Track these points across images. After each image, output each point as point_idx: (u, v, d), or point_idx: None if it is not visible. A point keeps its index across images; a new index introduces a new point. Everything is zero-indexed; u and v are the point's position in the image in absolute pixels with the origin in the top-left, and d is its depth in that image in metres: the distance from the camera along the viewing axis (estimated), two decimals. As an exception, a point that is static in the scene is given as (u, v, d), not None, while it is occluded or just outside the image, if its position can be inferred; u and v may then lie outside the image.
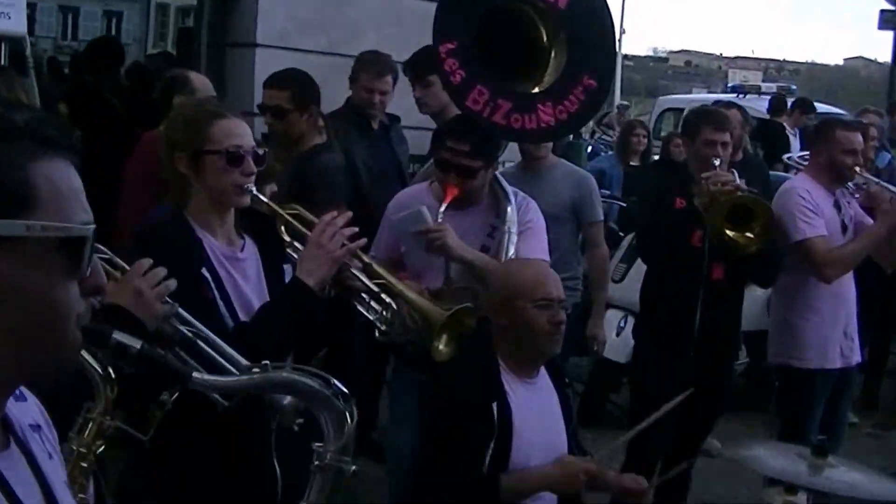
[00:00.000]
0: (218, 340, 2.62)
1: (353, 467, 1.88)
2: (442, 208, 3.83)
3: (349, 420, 1.84)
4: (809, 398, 5.06)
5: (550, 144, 5.48)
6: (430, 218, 3.78)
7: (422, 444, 3.51)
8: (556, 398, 3.61)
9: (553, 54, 4.13)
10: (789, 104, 11.81)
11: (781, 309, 5.18)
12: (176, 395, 2.07)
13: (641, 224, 5.37)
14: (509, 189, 4.09)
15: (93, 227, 1.27)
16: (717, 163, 4.73)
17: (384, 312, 3.12)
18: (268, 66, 6.15)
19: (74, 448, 2.06)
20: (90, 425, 2.09)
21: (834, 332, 5.07)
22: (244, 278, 2.92)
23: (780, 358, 5.16)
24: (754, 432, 6.58)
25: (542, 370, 3.59)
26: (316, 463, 1.88)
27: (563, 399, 3.63)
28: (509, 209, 3.98)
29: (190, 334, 2.61)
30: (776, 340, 5.19)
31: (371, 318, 3.09)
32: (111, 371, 2.04)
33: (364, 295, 3.07)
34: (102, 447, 2.08)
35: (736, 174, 4.76)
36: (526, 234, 3.99)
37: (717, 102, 7.47)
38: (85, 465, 2.05)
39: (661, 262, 4.92)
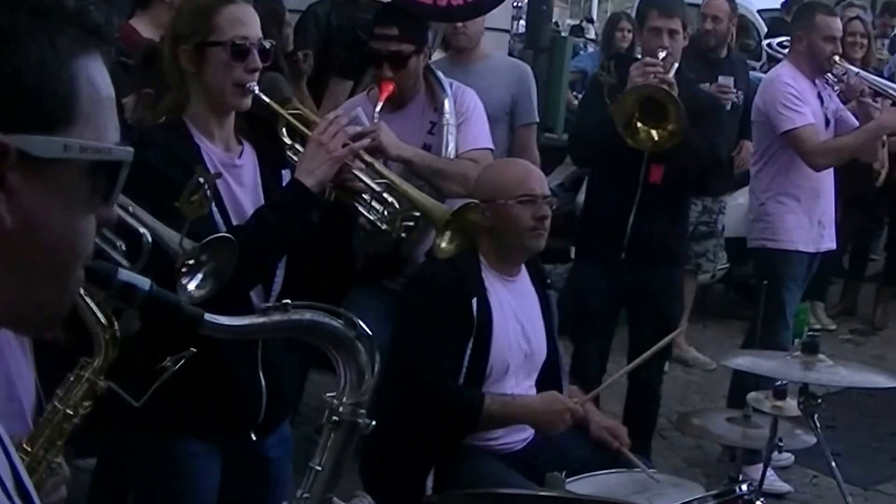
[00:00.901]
0: (131, 205, 2.47)
1: (372, 423, 1.70)
2: (377, 108, 3.71)
3: (372, 368, 1.67)
4: (785, 278, 5.06)
5: (478, 34, 4.82)
6: (367, 120, 3.65)
7: (397, 346, 3.42)
8: (536, 298, 3.58)
9: None
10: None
11: (760, 195, 5.15)
12: (181, 362, 1.89)
13: (574, 121, 5.09)
14: (444, 80, 3.98)
15: (131, 149, 1.06)
16: (661, 54, 4.43)
17: (385, 212, 3.02)
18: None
19: (60, 408, 1.89)
20: (80, 384, 1.91)
21: (809, 219, 5.07)
22: (240, 185, 2.81)
23: (757, 241, 5.17)
24: (734, 340, 6.52)
25: (523, 270, 3.56)
26: (332, 418, 1.69)
27: (543, 300, 3.60)
28: (446, 101, 3.87)
29: None
30: (754, 226, 5.19)
31: (372, 218, 3.01)
32: (117, 329, 1.88)
33: (365, 196, 2.99)
34: (89, 409, 1.92)
35: (673, 69, 4.44)
36: (464, 125, 3.89)
37: None
38: (67, 426, 1.88)
39: (598, 163, 4.73)
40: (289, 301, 1.61)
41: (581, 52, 11.53)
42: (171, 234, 2.47)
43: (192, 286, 2.44)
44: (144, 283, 1.37)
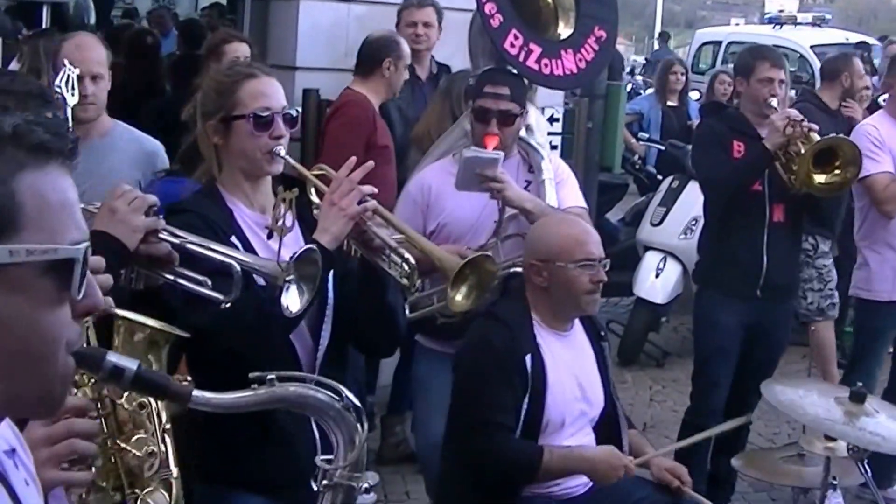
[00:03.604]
0: (211, 244, 2.59)
1: (364, 484, 1.83)
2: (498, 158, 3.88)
3: (361, 434, 1.77)
4: (872, 328, 5.30)
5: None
6: (501, 165, 3.86)
7: (455, 406, 3.52)
8: (592, 351, 3.64)
9: (558, 10, 4.35)
10: None
11: (860, 243, 5.33)
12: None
13: (706, 176, 5.07)
14: (537, 144, 4.18)
15: (85, 246, 1.16)
16: (774, 102, 4.64)
17: (405, 266, 2.95)
18: (311, 17, 6.17)
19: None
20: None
21: None
22: (282, 246, 2.82)
23: (853, 290, 5.40)
24: (794, 366, 6.66)
25: (577, 324, 3.63)
26: (324, 482, 1.81)
27: (598, 352, 3.65)
28: (542, 162, 4.06)
29: (178, 242, 2.55)
30: (854, 273, 5.38)
31: (393, 273, 2.96)
32: None
33: (386, 251, 2.95)
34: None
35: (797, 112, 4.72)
36: (561, 185, 4.08)
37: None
38: None
39: (724, 210, 4.87)
40: (274, 375, 1.67)
41: (641, 92, 11.85)
42: (264, 260, 2.59)
43: (293, 299, 2.55)
44: (132, 364, 1.42)
